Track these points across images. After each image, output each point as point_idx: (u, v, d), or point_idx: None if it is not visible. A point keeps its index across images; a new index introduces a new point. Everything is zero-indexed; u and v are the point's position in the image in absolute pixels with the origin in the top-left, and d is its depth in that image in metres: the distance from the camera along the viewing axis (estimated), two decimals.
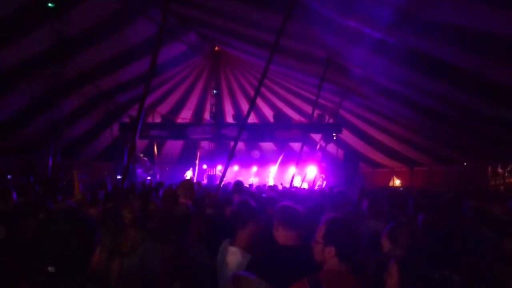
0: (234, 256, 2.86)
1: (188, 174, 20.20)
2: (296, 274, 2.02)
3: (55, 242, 1.30)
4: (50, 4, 9.73)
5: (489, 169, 13.19)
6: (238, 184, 6.40)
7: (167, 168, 21.65)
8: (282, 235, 2.66)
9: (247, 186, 12.43)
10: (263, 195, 6.27)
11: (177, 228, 2.76)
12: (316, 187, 16.34)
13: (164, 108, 19.26)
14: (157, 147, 20.02)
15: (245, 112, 9.72)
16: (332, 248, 2.01)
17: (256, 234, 3.03)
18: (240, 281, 1.80)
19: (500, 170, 12.67)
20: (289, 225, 2.65)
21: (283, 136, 17.39)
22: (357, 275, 2.02)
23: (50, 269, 1.24)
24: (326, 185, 16.39)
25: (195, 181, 15.29)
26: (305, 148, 15.42)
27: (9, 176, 10.79)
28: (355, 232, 2.12)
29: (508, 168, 12.29)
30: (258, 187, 12.43)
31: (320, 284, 1.87)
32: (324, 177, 17.43)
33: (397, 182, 18.75)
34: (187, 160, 21.32)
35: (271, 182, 18.56)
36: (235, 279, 1.83)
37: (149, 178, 17.47)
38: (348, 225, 2.12)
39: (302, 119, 18.07)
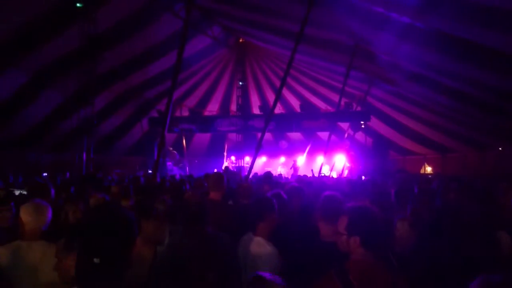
0: (261, 246, 2.91)
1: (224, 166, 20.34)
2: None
3: (98, 235, 1.40)
4: (78, 4, 10.01)
5: None
6: (268, 175, 6.49)
7: (196, 161, 21.94)
8: (324, 230, 2.53)
9: (276, 176, 12.48)
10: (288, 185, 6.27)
11: (193, 219, 2.80)
12: (344, 175, 16.21)
13: (191, 101, 19.51)
14: (186, 140, 20.31)
15: (272, 103, 9.72)
16: (356, 238, 2.01)
17: (275, 223, 3.07)
18: (265, 285, 1.74)
19: None
20: (331, 219, 2.43)
21: (310, 126, 17.26)
22: (384, 262, 2.01)
23: (96, 260, 1.34)
24: (353, 173, 16.22)
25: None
26: (333, 137, 15.28)
27: (44, 174, 11.20)
28: (377, 220, 2.08)
29: None
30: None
31: (347, 274, 1.86)
32: (349, 166, 17.23)
33: (428, 169, 18.30)
34: (215, 152, 21.55)
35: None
36: (259, 281, 1.75)
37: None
38: (370, 214, 2.09)
39: (329, 108, 17.87)
